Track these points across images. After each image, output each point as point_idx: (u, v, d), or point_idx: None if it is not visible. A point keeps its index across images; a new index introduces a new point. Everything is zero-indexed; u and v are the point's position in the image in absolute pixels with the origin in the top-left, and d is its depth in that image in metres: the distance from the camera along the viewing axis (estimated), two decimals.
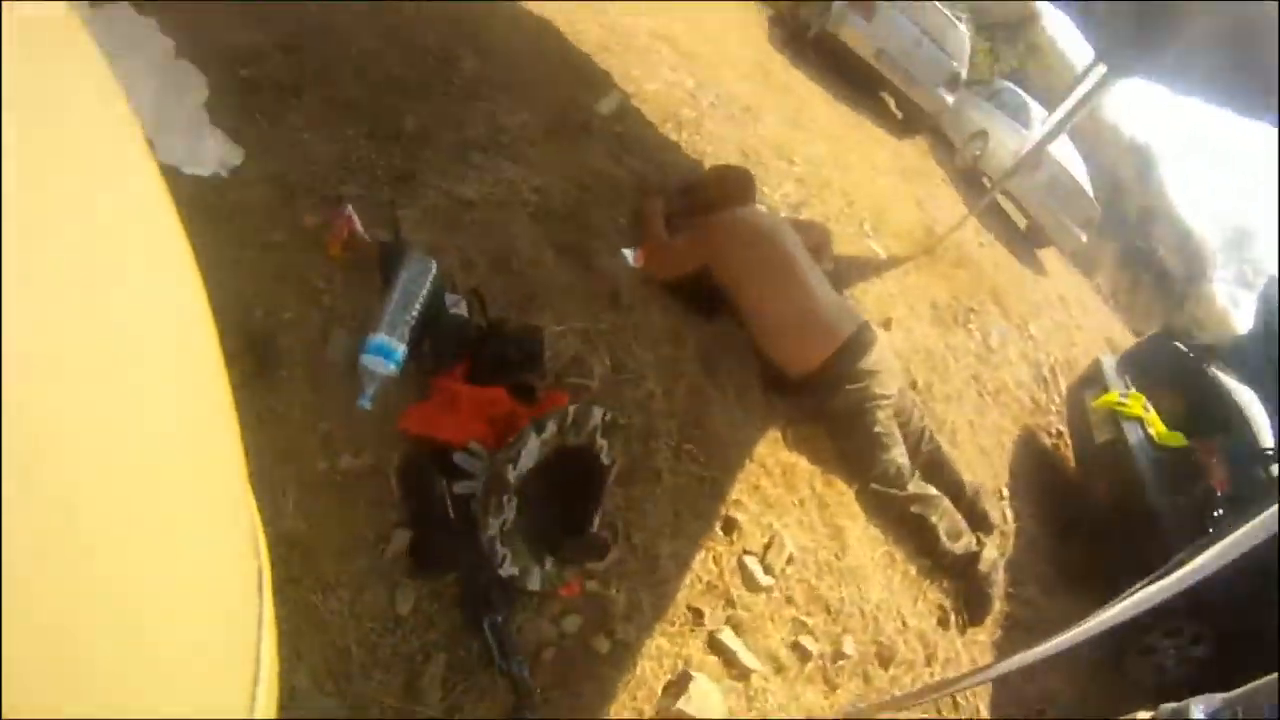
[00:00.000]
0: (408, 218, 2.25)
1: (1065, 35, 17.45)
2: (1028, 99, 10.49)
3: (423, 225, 2.27)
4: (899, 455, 2.68)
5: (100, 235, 0.22)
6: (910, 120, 9.60)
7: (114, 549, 0.21)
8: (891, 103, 9.82)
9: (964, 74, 9.67)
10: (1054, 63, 18.30)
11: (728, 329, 2.78)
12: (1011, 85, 11.46)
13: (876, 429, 2.64)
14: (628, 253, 2.82)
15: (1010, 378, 4.85)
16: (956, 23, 9.75)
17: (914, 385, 3.60)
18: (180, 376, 0.28)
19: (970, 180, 9.37)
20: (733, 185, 3.14)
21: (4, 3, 0.18)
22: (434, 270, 1.91)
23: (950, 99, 9.50)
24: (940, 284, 5.00)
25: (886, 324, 3.86)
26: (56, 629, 0.19)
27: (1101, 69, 4.76)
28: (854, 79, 9.17)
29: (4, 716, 0.17)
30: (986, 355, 4.79)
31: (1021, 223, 10.37)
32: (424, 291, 1.84)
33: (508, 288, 2.25)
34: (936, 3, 9.73)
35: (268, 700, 0.34)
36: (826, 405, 2.65)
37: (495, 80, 3.42)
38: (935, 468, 2.92)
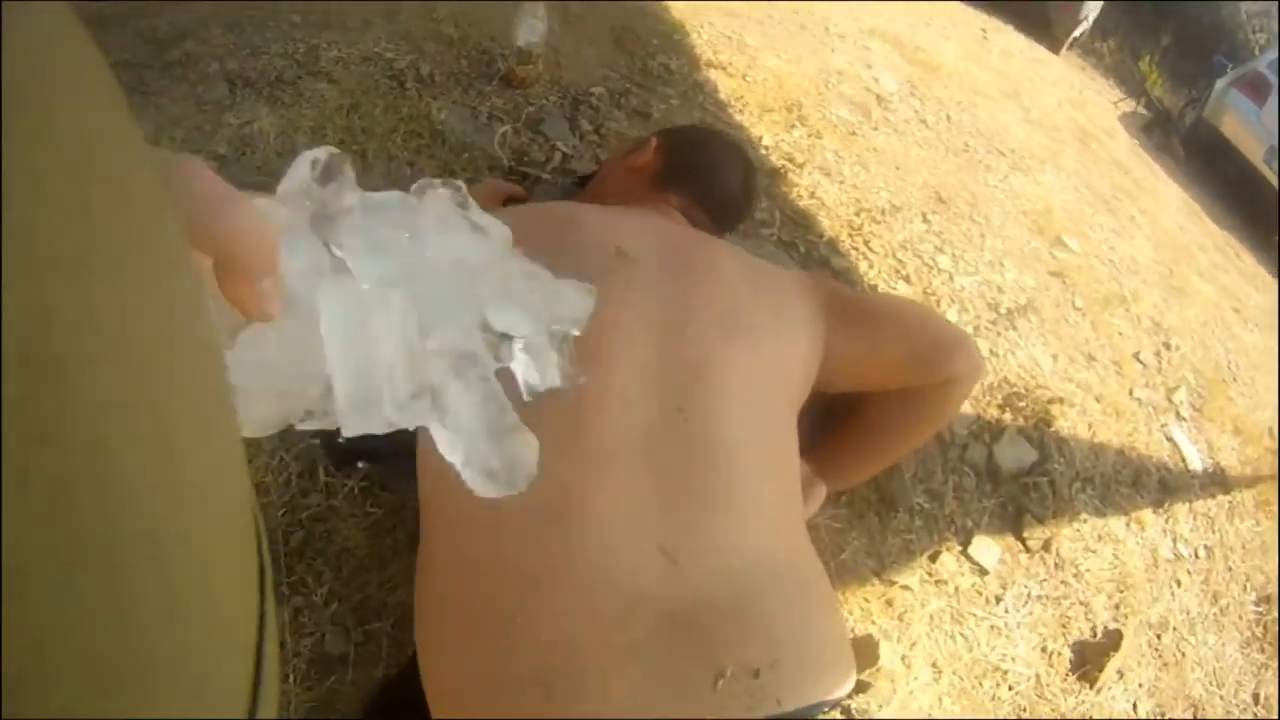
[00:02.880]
0: None
1: None
2: None
3: None
4: None
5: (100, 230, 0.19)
6: None
7: (111, 544, 0.18)
8: None
9: None
10: None
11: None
12: None
13: None
14: None
15: None
16: None
17: None
18: (181, 364, 0.24)
19: None
20: (652, 154, 1.20)
21: (4, 2, 0.16)
22: None
23: None
24: None
25: (1099, 655, 1.36)
26: (53, 628, 0.17)
27: None
28: (1241, 197, 5.95)
29: (4, 716, 0.15)
30: None
31: None
32: None
33: None
34: None
35: (270, 700, 0.28)
36: None
37: (404, 9, 2.03)
38: None
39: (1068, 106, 4.68)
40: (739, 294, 0.88)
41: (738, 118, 2.07)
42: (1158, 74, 8.81)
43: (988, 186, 2.50)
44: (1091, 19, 6.78)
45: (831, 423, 1.09)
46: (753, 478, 0.74)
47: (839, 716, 0.69)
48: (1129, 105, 6.77)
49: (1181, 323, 2.75)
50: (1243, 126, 5.94)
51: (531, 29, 1.78)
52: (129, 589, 0.19)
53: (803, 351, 0.91)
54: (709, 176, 1.18)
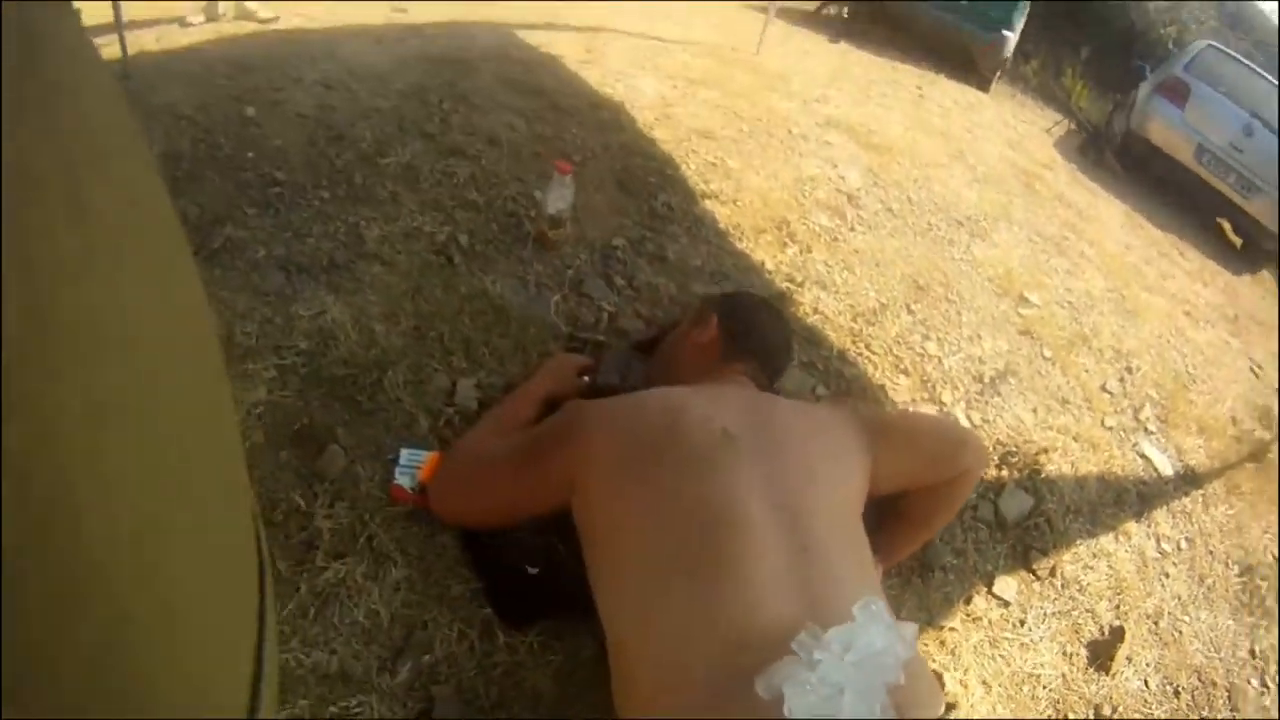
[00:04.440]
0: None
1: None
2: None
3: None
4: None
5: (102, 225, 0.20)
6: (1253, 248, 6.46)
7: (111, 544, 0.19)
8: (1228, 226, 6.85)
9: None
10: None
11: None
12: None
13: None
14: (408, 457, 1.37)
15: None
16: None
17: None
18: (181, 364, 0.25)
19: None
20: (714, 330, 1.50)
21: (4, 2, 0.17)
22: None
23: None
24: (1266, 519, 2.63)
25: (1109, 649, 1.74)
26: (54, 628, 0.17)
27: None
28: (1177, 196, 6.49)
29: (4, 717, 0.16)
30: None
31: None
32: None
33: None
34: (1272, 80, 6.63)
35: (270, 700, 0.31)
36: None
37: (422, 177, 2.20)
38: None
39: (1007, 150, 5.21)
40: (812, 450, 1.21)
41: (739, 245, 2.48)
42: (1082, 85, 9.44)
43: (954, 261, 2.95)
44: (1011, 49, 7.35)
45: (880, 518, 1.47)
46: (852, 572, 1.09)
47: None
48: (1060, 125, 7.33)
49: (1139, 343, 3.18)
50: (1169, 130, 6.44)
51: (561, 197, 1.97)
52: (128, 589, 0.20)
53: (858, 479, 1.27)
54: (765, 347, 1.49)
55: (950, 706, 1.00)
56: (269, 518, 1.25)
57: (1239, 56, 7.03)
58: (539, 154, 2.45)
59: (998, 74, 7.44)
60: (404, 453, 1.36)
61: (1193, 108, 6.44)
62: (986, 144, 5.04)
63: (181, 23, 3.45)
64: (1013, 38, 7.13)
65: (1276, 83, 6.46)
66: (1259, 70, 6.78)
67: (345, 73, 2.81)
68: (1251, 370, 3.74)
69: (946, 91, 6.29)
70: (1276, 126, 6.16)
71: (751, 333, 1.48)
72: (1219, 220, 6.85)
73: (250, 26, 3.54)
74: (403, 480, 1.32)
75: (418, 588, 1.24)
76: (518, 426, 1.37)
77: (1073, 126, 7.43)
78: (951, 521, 1.65)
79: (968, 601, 1.64)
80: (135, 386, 0.21)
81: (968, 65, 7.26)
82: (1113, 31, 10.94)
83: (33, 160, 0.17)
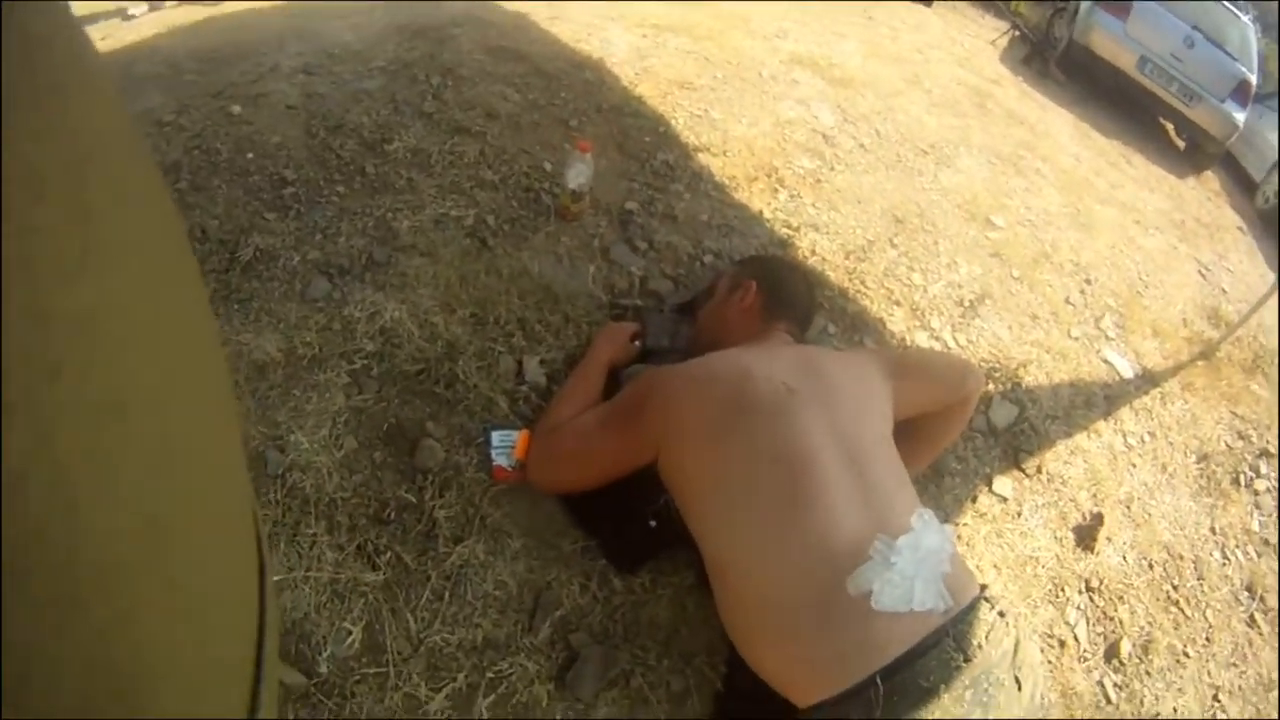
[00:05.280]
0: None
1: None
2: None
3: None
4: None
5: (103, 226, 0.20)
6: (1196, 150, 6.96)
7: (110, 544, 0.19)
8: (1171, 129, 7.26)
9: (1256, 81, 6.86)
10: None
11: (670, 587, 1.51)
12: None
13: None
14: (500, 439, 1.53)
15: None
16: (1238, 15, 7.00)
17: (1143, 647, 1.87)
18: (182, 363, 0.25)
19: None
20: (755, 295, 1.70)
21: (3, 2, 0.18)
22: None
23: (1242, 116, 6.77)
24: (1218, 410, 3.00)
25: (1091, 531, 2.06)
26: (53, 628, 0.18)
27: None
28: (1121, 102, 6.84)
29: (4, 717, 0.16)
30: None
31: None
32: None
33: None
34: None
35: (270, 700, 0.32)
36: None
37: (433, 160, 2.25)
38: None
39: (958, 69, 5.44)
40: (855, 391, 1.45)
41: (736, 196, 2.66)
42: None
43: (925, 191, 3.20)
44: None
45: (900, 440, 1.74)
46: (899, 488, 1.34)
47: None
48: (1003, 36, 7.56)
49: (1095, 255, 3.50)
50: (1112, 42, 6.78)
51: (581, 173, 2.07)
52: (128, 589, 0.20)
53: (889, 410, 1.52)
54: (797, 304, 1.73)
55: (983, 587, 1.28)
56: (381, 517, 1.40)
57: None
58: (538, 123, 2.60)
59: None
60: (494, 435, 1.53)
61: (1134, 21, 6.78)
62: (939, 65, 5.27)
63: (124, 16, 3.38)
64: None
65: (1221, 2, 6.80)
66: None
67: (319, 54, 2.83)
68: (1199, 272, 4.13)
69: (894, 11, 6.47)
70: (1215, 37, 6.52)
71: (786, 292, 1.71)
72: (1162, 120, 7.24)
73: (197, 13, 3.44)
74: (501, 460, 1.49)
75: (535, 554, 1.44)
76: (592, 396, 1.59)
77: (1015, 34, 7.67)
78: None
79: (974, 500, 1.94)
80: (136, 386, 0.21)
81: None
82: None
83: (33, 160, 0.17)
